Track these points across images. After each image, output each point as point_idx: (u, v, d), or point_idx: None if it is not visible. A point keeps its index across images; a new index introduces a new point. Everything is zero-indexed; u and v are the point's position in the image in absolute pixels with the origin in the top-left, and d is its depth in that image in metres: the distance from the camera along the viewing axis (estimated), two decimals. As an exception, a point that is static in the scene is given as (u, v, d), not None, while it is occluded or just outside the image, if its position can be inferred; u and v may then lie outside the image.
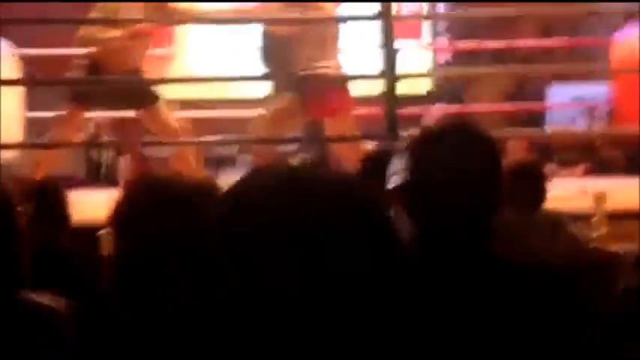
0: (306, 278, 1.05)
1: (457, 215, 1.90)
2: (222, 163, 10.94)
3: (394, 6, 6.81)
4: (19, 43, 8.08)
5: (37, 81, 8.19)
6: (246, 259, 1.06)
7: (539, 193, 4.17)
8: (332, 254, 1.05)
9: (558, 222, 4.16)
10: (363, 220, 1.08)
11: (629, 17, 8.99)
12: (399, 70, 6.07)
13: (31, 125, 7.97)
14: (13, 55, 7.90)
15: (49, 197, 3.90)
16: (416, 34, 12.98)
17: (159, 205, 1.88)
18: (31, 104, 7.95)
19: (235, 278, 1.07)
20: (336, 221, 1.06)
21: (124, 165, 10.43)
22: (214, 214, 1.12)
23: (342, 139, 6.53)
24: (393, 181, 1.91)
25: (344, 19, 7.11)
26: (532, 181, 4.15)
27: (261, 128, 6.64)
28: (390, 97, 5.89)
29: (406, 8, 13.30)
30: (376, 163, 3.53)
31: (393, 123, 5.76)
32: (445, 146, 1.90)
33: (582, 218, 4.84)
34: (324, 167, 1.13)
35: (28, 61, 8.07)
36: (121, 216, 1.93)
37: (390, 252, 1.09)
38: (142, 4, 6.74)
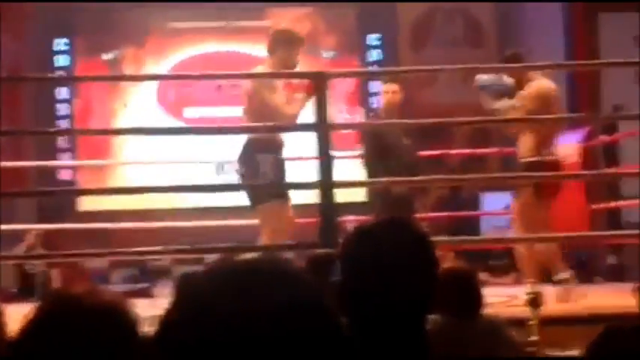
0: None
1: (390, 313, 1.90)
2: (157, 274, 10.89)
3: (330, 116, 6.90)
4: None
5: None
6: None
7: (476, 299, 4.20)
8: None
9: (497, 327, 4.19)
10: (316, 326, 1.09)
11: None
12: (336, 178, 6.10)
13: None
14: None
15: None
16: (351, 143, 13.15)
17: (58, 325, 1.83)
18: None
19: None
20: (289, 327, 1.08)
21: (57, 277, 10.33)
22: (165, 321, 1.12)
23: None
24: (333, 281, 1.92)
25: (282, 129, 7.17)
26: (468, 288, 4.18)
27: None
28: (327, 206, 5.92)
29: (342, 117, 13.52)
30: (319, 267, 3.54)
31: (330, 231, 5.78)
32: (378, 244, 1.91)
33: (516, 324, 4.88)
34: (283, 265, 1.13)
35: None
36: (24, 333, 1.88)
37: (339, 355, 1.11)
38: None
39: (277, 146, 7.14)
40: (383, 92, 8.28)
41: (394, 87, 8.16)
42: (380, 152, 7.93)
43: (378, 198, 8.14)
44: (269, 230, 6.87)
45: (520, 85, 7.23)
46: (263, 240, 6.80)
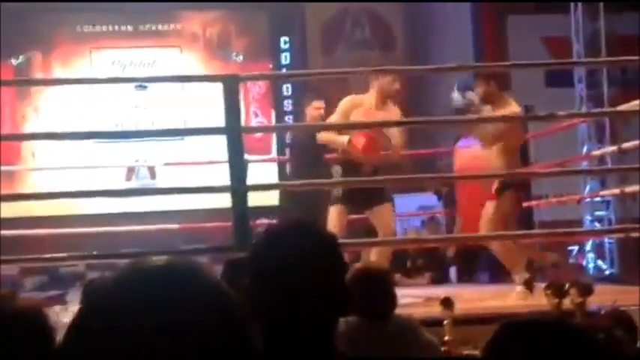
0: None
1: (300, 316, 1.90)
2: (70, 280, 10.75)
3: (242, 119, 6.89)
4: None
5: None
6: None
7: (389, 300, 4.21)
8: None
9: (410, 327, 4.20)
10: (223, 327, 1.08)
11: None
12: (249, 182, 6.09)
13: None
14: None
15: None
16: (265, 146, 13.15)
17: None
18: None
19: None
20: (196, 326, 1.07)
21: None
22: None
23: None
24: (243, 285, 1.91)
25: (193, 132, 7.14)
26: (381, 289, 4.19)
27: None
28: (239, 209, 5.90)
29: (256, 120, 13.51)
30: (234, 271, 3.53)
31: (243, 235, 5.76)
32: (284, 248, 1.90)
33: (431, 323, 4.93)
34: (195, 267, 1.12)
35: None
36: None
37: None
38: None
39: None
40: (309, 108, 8.31)
41: (319, 103, 8.22)
42: (311, 162, 7.97)
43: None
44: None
45: (489, 99, 7.52)
46: None
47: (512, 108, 7.49)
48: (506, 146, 7.44)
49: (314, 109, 8.22)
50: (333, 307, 1.92)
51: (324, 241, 1.95)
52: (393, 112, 7.31)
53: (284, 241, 1.92)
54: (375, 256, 7.21)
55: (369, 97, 7.34)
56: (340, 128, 7.37)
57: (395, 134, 7.33)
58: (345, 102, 7.39)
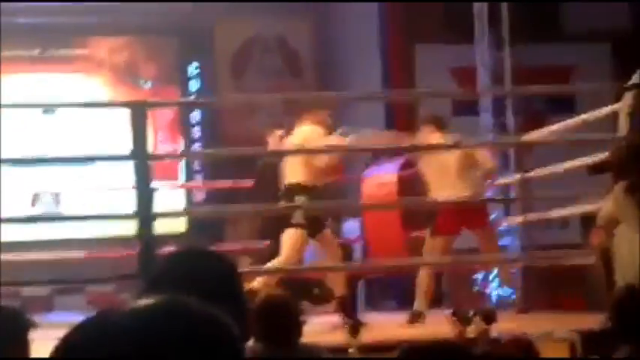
0: None
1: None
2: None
3: (149, 146, 6.84)
4: None
5: None
6: None
7: (294, 327, 4.21)
8: None
9: (315, 354, 4.21)
10: None
11: (376, 156, 9.37)
12: (155, 209, 6.04)
13: None
14: None
15: None
16: (172, 174, 13.07)
17: None
18: None
19: None
20: None
21: None
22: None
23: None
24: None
25: (99, 158, 7.08)
26: (286, 315, 4.19)
27: None
28: (145, 237, 5.85)
29: (164, 147, 13.42)
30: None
31: (149, 263, 5.70)
32: (182, 275, 1.89)
33: (337, 351, 4.93)
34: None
35: None
36: None
37: None
38: None
39: None
40: (272, 137, 8.44)
41: (280, 132, 8.34)
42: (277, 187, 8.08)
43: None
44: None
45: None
46: None
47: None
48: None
49: (277, 137, 8.36)
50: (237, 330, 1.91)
51: (223, 267, 1.94)
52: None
53: (182, 268, 1.90)
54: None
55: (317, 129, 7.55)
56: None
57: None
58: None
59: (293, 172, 7.52)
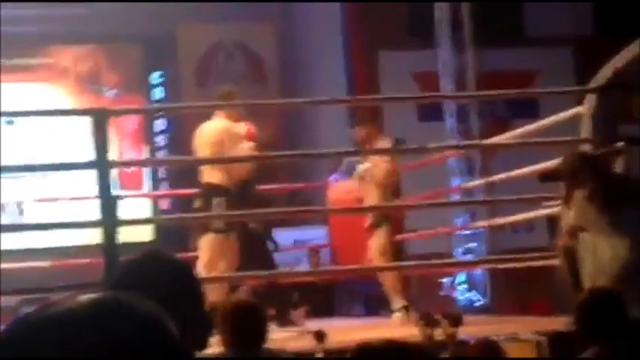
0: None
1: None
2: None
3: (112, 154, 6.79)
4: None
5: None
6: None
7: (259, 332, 4.20)
8: None
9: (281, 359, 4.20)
10: None
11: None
12: (119, 217, 6.00)
13: None
14: None
15: None
16: (137, 182, 13.01)
17: None
18: None
19: None
20: None
21: None
22: None
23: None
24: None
25: (62, 167, 7.02)
26: (251, 320, 4.18)
27: None
28: (109, 245, 5.81)
29: (127, 155, 13.35)
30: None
31: (113, 271, 5.65)
32: (139, 276, 1.87)
33: (303, 356, 4.92)
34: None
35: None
36: None
37: None
38: None
39: None
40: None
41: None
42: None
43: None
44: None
45: (366, 141, 8.02)
46: None
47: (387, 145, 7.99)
48: (383, 182, 7.75)
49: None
50: (191, 339, 1.89)
51: (177, 270, 1.92)
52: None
53: (138, 273, 1.89)
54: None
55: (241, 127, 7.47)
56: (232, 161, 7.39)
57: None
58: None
59: (208, 170, 7.42)
